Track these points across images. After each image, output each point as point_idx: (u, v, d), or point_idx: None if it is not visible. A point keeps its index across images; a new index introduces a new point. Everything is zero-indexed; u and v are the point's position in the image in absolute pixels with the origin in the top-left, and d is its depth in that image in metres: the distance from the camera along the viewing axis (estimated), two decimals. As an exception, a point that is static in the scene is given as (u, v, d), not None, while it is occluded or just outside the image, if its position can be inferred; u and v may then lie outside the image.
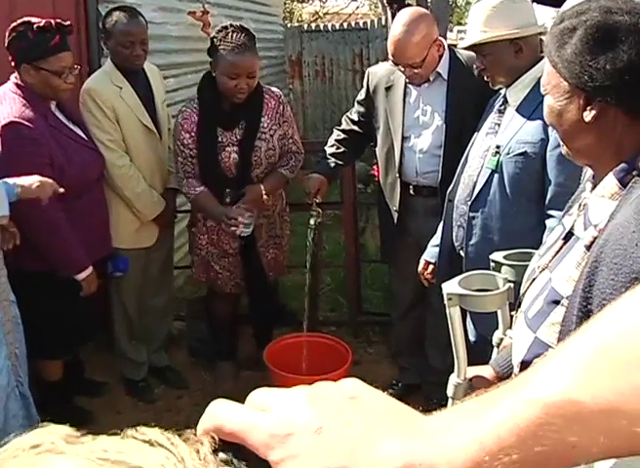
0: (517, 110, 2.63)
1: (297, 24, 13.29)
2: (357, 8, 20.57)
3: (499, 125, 2.70)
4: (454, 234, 2.88)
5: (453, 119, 3.24)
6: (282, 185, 3.69)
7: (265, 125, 3.51)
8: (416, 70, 3.18)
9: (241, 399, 0.57)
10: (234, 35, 3.25)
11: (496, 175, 2.62)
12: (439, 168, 3.28)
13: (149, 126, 3.64)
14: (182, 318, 4.59)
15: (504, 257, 1.98)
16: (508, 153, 2.58)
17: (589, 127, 1.34)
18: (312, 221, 3.39)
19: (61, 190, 2.87)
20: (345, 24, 11.23)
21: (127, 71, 3.56)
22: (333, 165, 3.61)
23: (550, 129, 2.42)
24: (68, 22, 3.11)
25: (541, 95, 2.44)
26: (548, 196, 2.52)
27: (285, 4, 14.83)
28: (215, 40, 3.30)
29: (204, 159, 3.47)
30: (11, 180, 2.73)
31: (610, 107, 1.29)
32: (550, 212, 2.49)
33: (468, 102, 3.13)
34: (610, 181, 1.28)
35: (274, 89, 3.71)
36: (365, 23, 10.58)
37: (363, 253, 5.22)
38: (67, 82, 3.12)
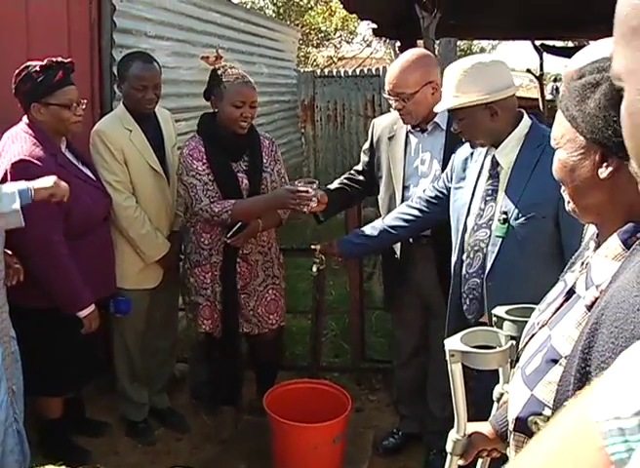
0: (513, 173, 2.60)
1: (310, 70, 13.44)
2: (371, 53, 20.80)
3: (496, 191, 2.67)
4: (464, 307, 2.82)
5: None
6: (276, 224, 3.69)
7: (265, 161, 3.64)
8: (405, 104, 3.19)
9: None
10: (232, 70, 3.47)
11: (507, 243, 2.59)
12: None
13: (157, 169, 3.68)
14: (185, 360, 4.58)
15: (506, 312, 1.96)
16: (517, 218, 2.55)
17: (602, 184, 1.31)
18: (315, 268, 3.40)
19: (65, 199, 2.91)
20: (358, 71, 11.36)
21: (138, 115, 3.63)
22: (333, 188, 3.66)
23: (556, 187, 2.41)
24: (69, 59, 3.19)
25: (534, 152, 2.49)
26: (575, 246, 2.49)
27: (300, 49, 15.03)
28: (215, 76, 3.47)
29: (223, 181, 3.51)
30: (24, 184, 2.79)
31: (627, 165, 1.29)
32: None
33: None
34: (613, 242, 1.27)
35: (266, 133, 3.86)
36: (377, 70, 10.69)
37: (369, 299, 5.21)
38: (77, 114, 3.20)
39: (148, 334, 3.92)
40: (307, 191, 3.26)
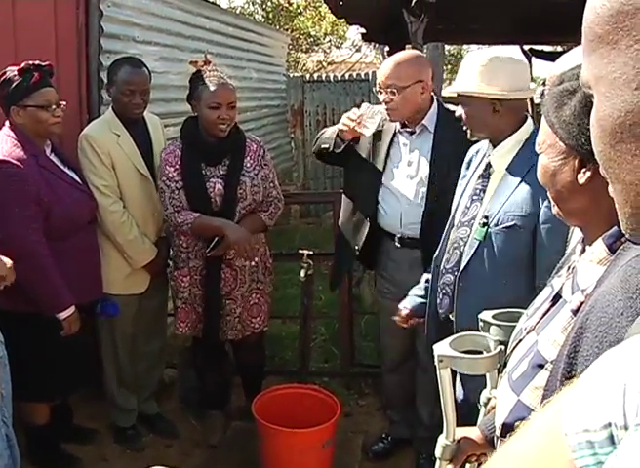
0: (503, 178, 2.58)
1: (299, 74, 13.44)
2: (360, 58, 20.82)
3: (483, 192, 2.65)
4: (438, 301, 2.82)
5: (437, 172, 3.25)
6: (260, 230, 3.69)
7: (249, 165, 3.61)
8: (393, 97, 3.18)
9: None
10: (210, 72, 3.48)
11: (484, 247, 2.57)
12: (419, 219, 3.28)
13: (145, 174, 3.68)
14: (174, 365, 4.56)
15: (493, 317, 1.95)
16: (497, 224, 2.52)
17: (583, 189, 1.33)
18: (303, 273, 3.40)
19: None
20: (347, 75, 11.36)
21: (126, 120, 3.62)
22: None
23: (541, 199, 2.41)
24: (47, 63, 3.21)
25: (528, 160, 2.49)
26: (546, 264, 2.48)
27: (289, 53, 15.03)
28: (194, 80, 3.51)
29: (191, 189, 3.51)
30: None
31: None
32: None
33: (454, 157, 3.11)
34: (598, 247, 1.28)
35: (255, 136, 3.83)
36: (366, 74, 10.69)
37: (358, 304, 5.20)
38: (55, 115, 3.21)
39: (137, 340, 3.91)
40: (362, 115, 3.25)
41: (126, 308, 3.71)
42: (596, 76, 0.68)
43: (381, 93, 3.24)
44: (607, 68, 0.66)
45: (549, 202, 1.50)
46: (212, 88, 3.41)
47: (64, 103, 3.28)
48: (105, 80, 3.94)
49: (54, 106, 3.21)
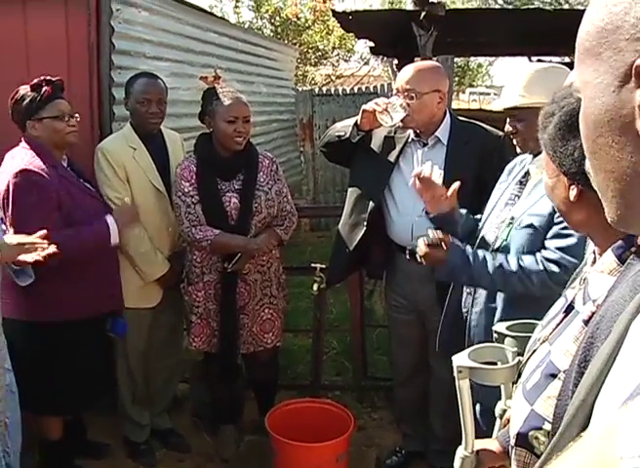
0: (537, 184, 2.62)
1: (308, 88, 13.49)
2: (369, 71, 20.88)
3: (518, 197, 2.71)
4: (463, 300, 2.86)
5: (449, 183, 3.25)
6: (277, 244, 3.69)
7: (262, 180, 3.64)
8: (410, 102, 3.18)
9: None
10: (223, 89, 3.55)
11: (506, 246, 2.63)
12: None
13: (160, 188, 3.70)
14: (187, 380, 4.57)
15: (507, 328, 1.96)
16: (520, 224, 2.59)
17: (578, 204, 1.39)
18: (315, 287, 3.39)
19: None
20: (356, 89, 11.40)
21: (144, 133, 3.67)
22: None
23: None
24: (58, 78, 3.27)
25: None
26: (550, 233, 2.52)
27: (298, 67, 15.09)
28: (207, 97, 3.57)
29: (208, 203, 3.55)
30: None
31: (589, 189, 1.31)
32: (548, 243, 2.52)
33: (466, 170, 3.12)
34: (608, 257, 1.29)
35: (267, 153, 3.88)
36: (375, 87, 10.73)
37: (369, 317, 5.20)
38: (70, 124, 3.27)
39: (151, 356, 3.91)
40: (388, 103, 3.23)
41: (139, 322, 3.72)
42: (584, 82, 0.80)
43: (399, 97, 3.25)
44: (592, 75, 0.77)
45: None
46: (227, 102, 3.47)
47: (78, 115, 3.33)
48: (117, 96, 3.98)
49: (68, 117, 3.26)
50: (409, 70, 3.26)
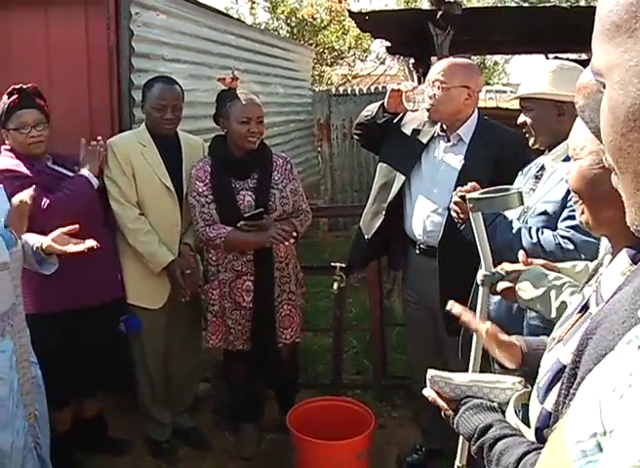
0: (550, 176, 2.69)
1: (325, 88, 13.49)
2: (385, 71, 20.84)
3: (533, 190, 2.75)
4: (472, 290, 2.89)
5: (465, 183, 3.25)
6: (290, 230, 3.64)
7: (277, 178, 3.70)
8: (439, 92, 3.22)
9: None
10: (237, 91, 3.63)
11: None
12: (441, 228, 3.27)
13: (169, 186, 3.69)
14: (208, 379, 4.59)
15: (481, 194, 2.27)
16: (534, 212, 2.65)
17: (612, 197, 1.32)
18: (335, 286, 3.41)
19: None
20: (372, 88, 11.38)
21: (157, 135, 3.69)
22: None
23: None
24: (29, 85, 3.29)
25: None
26: (562, 216, 2.58)
27: (314, 68, 15.09)
28: (221, 99, 3.66)
29: (221, 201, 3.60)
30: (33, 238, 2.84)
31: None
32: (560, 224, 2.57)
33: (483, 170, 3.12)
34: (622, 258, 1.29)
35: (281, 153, 3.95)
36: (392, 87, 10.70)
37: (389, 315, 5.21)
38: (30, 136, 3.28)
39: (170, 356, 3.94)
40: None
41: (153, 323, 3.74)
42: (611, 64, 0.68)
43: (428, 87, 3.27)
44: (623, 57, 0.65)
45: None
46: (241, 104, 3.55)
47: (44, 125, 3.34)
48: (136, 98, 4.01)
49: (30, 128, 3.27)
50: (442, 63, 3.32)
